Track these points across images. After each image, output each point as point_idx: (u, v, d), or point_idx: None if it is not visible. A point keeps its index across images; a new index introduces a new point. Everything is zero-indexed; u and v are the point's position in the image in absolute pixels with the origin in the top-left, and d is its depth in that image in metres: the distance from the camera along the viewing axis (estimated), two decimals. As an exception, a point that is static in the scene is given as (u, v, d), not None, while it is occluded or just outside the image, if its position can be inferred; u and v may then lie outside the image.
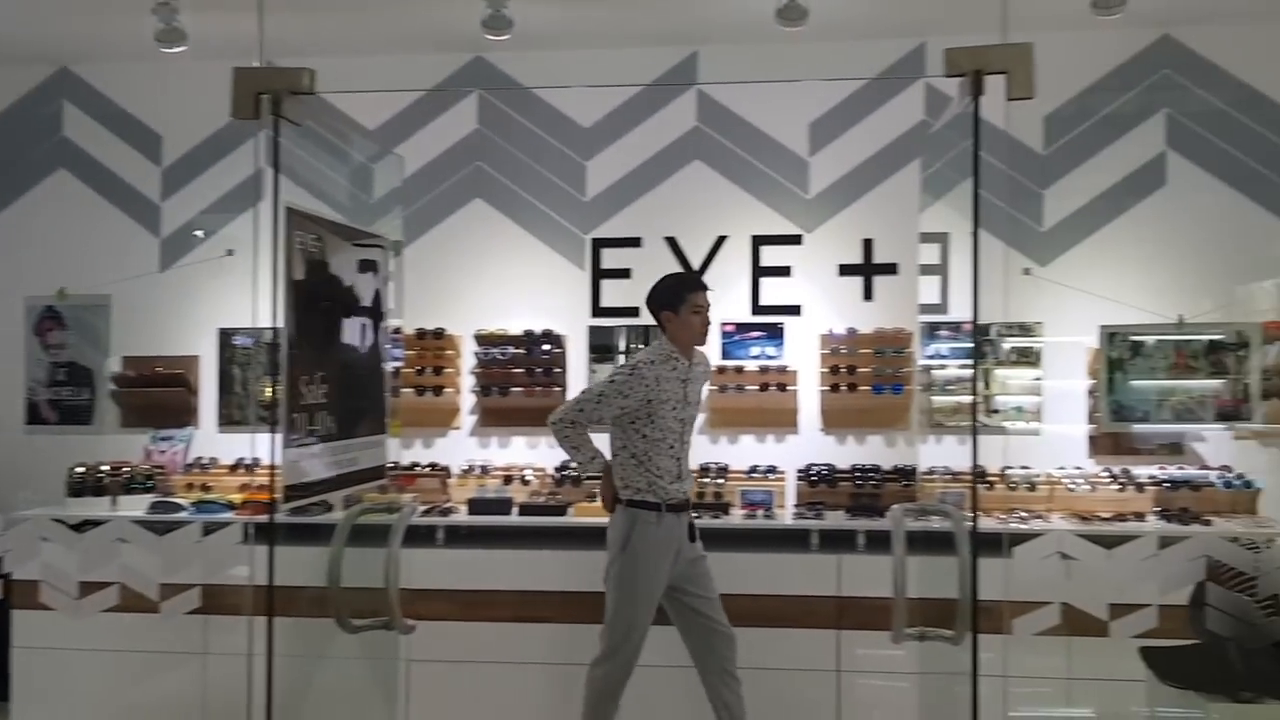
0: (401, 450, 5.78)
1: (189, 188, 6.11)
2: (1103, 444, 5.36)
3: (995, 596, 2.73)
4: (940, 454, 5.44)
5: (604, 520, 5.12)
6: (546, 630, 4.94)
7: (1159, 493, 5.06)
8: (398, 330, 5.67)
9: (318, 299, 3.02)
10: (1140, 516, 4.93)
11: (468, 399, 5.81)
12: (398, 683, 3.86)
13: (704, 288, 4.17)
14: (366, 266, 3.39)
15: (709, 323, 4.19)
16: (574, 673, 4.90)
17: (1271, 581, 2.23)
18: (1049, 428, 5.40)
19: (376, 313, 3.46)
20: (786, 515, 5.17)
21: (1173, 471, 5.17)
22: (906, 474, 5.32)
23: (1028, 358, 5.44)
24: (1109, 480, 5.16)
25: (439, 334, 5.72)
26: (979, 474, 5.24)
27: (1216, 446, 5.27)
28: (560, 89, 5.74)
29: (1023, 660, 2.77)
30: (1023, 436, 5.42)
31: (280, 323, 2.81)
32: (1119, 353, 2.30)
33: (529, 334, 5.67)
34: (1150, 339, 2.34)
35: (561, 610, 4.94)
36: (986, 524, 4.82)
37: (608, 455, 4.21)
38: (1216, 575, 2.29)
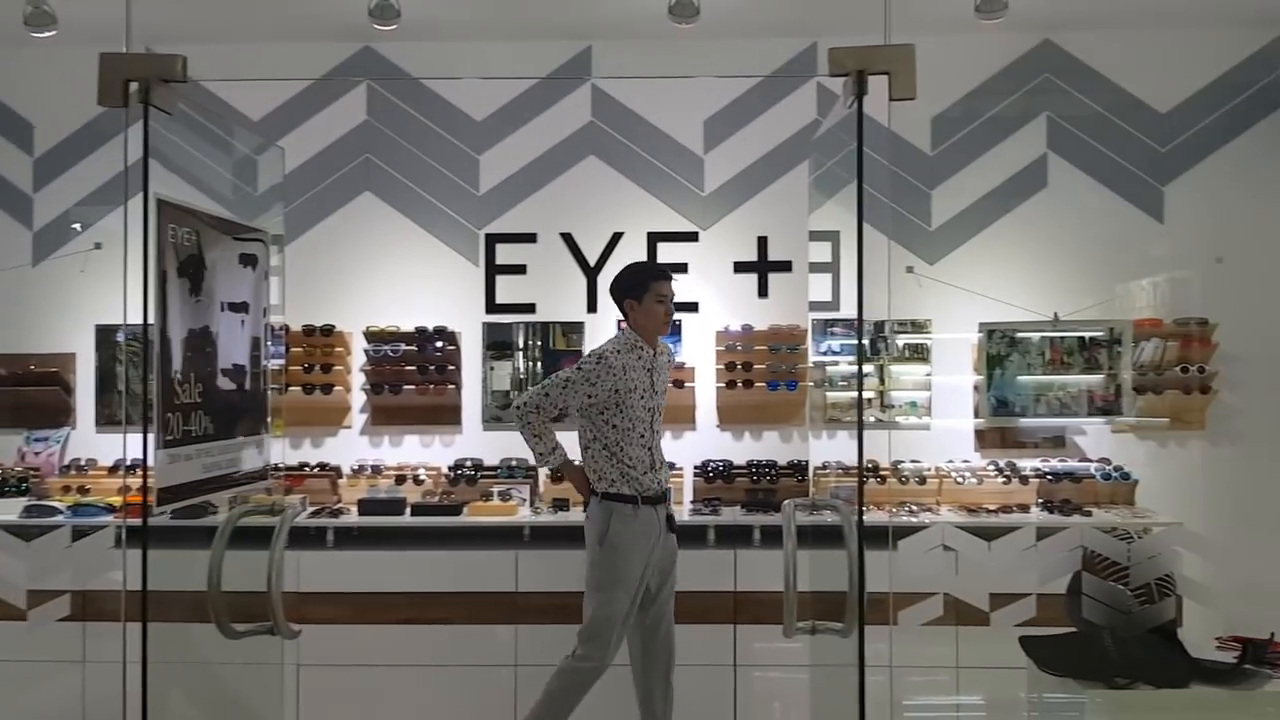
0: (290, 450, 5.63)
1: (63, 178, 5.84)
2: (989, 438, 5.49)
3: (883, 589, 2.76)
4: (834, 449, 5.52)
5: (498, 520, 5.07)
6: (442, 632, 4.86)
7: (1042, 485, 5.21)
8: (285, 328, 5.51)
9: (192, 294, 2.90)
10: (1024, 508, 5.07)
11: (358, 397, 5.67)
12: (283, 688, 3.75)
13: (667, 276, 4.16)
14: (246, 261, 3.26)
15: (672, 311, 4.18)
16: (471, 674, 4.84)
17: (1143, 571, 2.29)
18: (939, 422, 5.51)
19: (257, 309, 3.33)
20: (684, 511, 5.17)
21: (1055, 464, 5.33)
22: (801, 469, 5.37)
23: (919, 354, 5.55)
24: (994, 473, 5.30)
25: (328, 331, 5.57)
26: (869, 468, 5.33)
27: (1097, 440, 5.46)
28: (451, 81, 5.65)
29: (910, 650, 2.81)
30: (914, 431, 5.53)
31: (151, 319, 2.68)
32: (998, 349, 2.34)
33: (421, 331, 5.56)
34: (1027, 335, 2.38)
35: (457, 611, 4.86)
36: (875, 517, 4.91)
37: (575, 454, 4.19)
38: (1092, 565, 2.35)
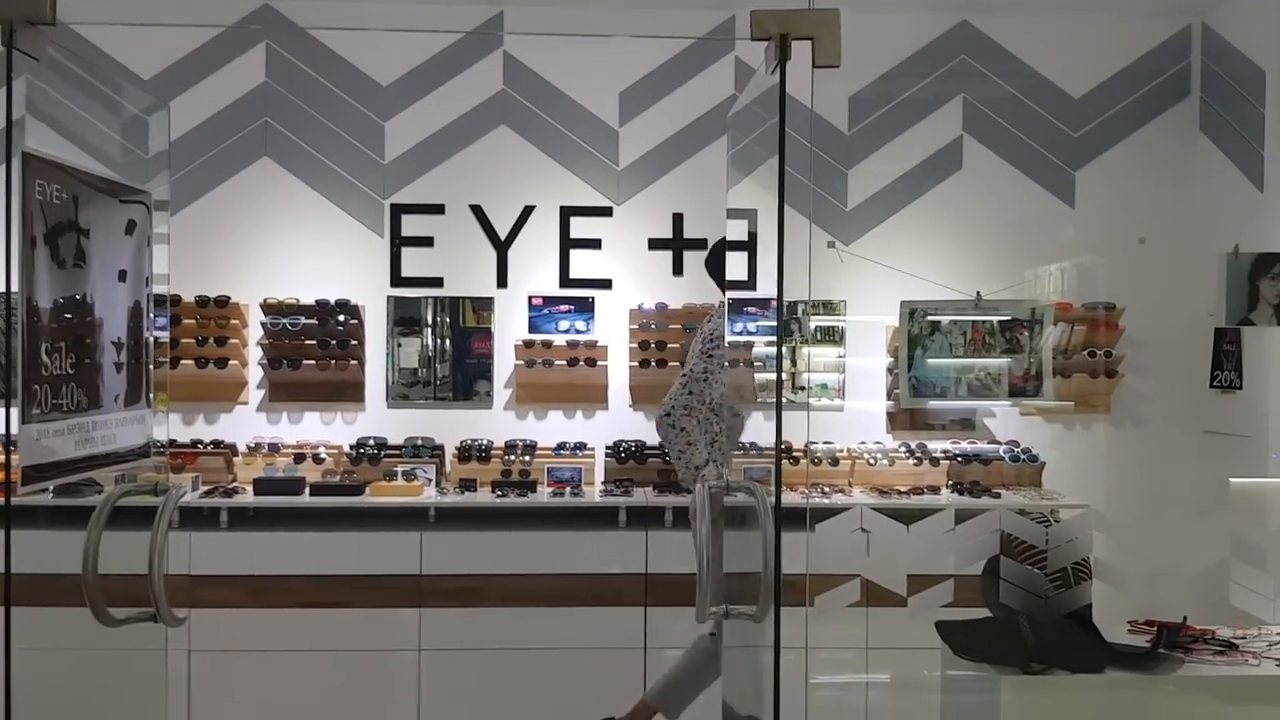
0: (182, 426, 5.37)
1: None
2: (900, 420, 5.49)
3: (799, 570, 2.69)
4: (747, 429, 5.45)
5: (402, 500, 4.89)
6: (342, 616, 4.68)
7: (952, 466, 5.22)
8: (176, 298, 5.24)
9: (65, 259, 2.67)
10: (935, 490, 5.08)
11: (255, 372, 5.42)
12: (165, 676, 3.56)
13: None
14: (127, 226, 3.03)
15: None
16: (373, 659, 4.67)
17: (1060, 555, 2.25)
18: (852, 404, 5.48)
19: (139, 277, 3.11)
20: (595, 492, 5.06)
21: (965, 446, 5.35)
22: (713, 450, 5.29)
23: (832, 336, 5.51)
24: (906, 455, 5.29)
25: (222, 302, 5.31)
26: (784, 450, 5.28)
27: (1005, 422, 5.50)
28: (356, 43, 5.40)
29: (825, 633, 2.74)
30: (827, 412, 5.50)
31: (15, 285, 2.46)
32: (919, 329, 2.29)
33: (322, 304, 5.33)
34: (948, 317, 2.34)
35: (358, 595, 4.69)
36: (790, 499, 4.85)
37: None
38: (1009, 549, 2.31)
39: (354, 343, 5.34)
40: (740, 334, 5.48)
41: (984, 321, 2.28)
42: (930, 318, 2.48)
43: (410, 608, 4.69)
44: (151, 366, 3.09)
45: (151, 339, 3.14)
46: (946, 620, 2.39)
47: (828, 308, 5.52)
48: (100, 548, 2.96)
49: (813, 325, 5.52)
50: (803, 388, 5.49)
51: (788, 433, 5.44)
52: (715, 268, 4.37)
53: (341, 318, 5.34)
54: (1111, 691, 2.23)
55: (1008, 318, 2.42)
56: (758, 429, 5.41)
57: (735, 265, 5.50)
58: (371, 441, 5.30)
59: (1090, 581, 2.31)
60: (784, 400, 5.41)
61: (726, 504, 3.01)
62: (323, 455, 5.22)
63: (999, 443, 5.36)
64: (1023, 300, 2.69)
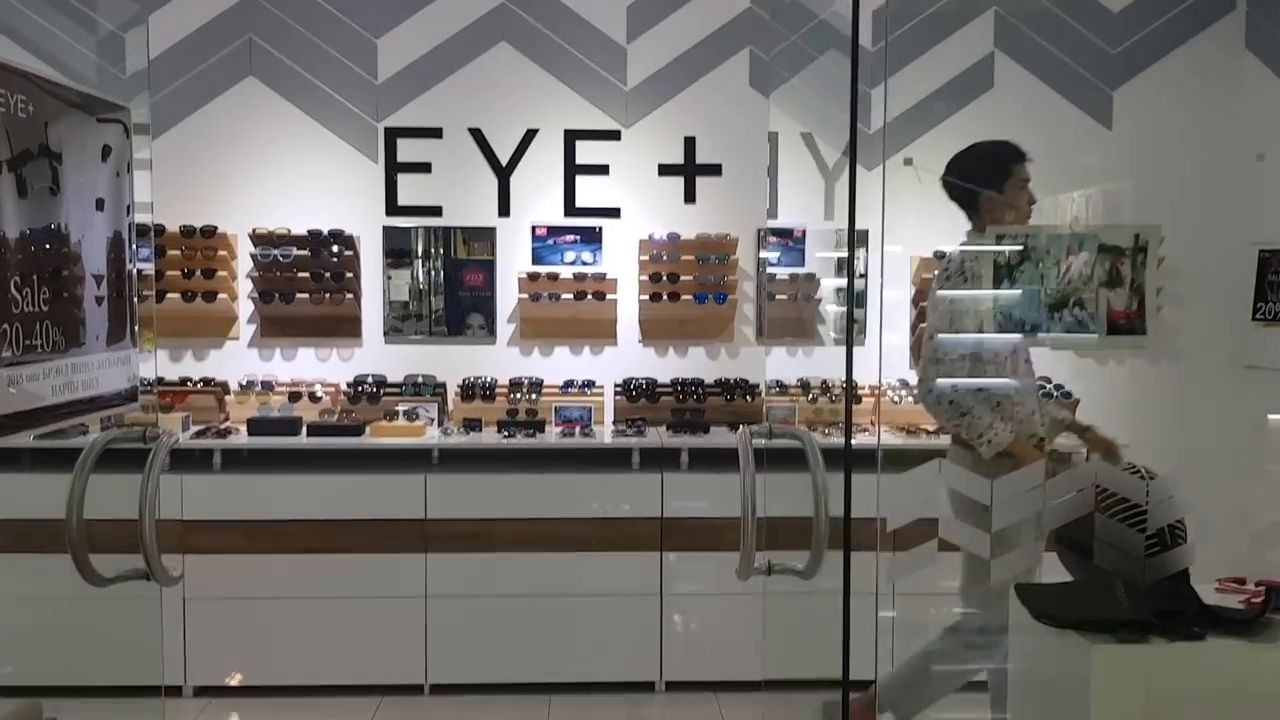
0: (169, 364, 5.09)
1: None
2: (918, 354, 5.25)
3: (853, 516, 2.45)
4: (768, 367, 5.21)
5: (404, 441, 4.64)
6: (344, 562, 4.46)
7: (979, 403, 4.99)
8: (159, 228, 4.92)
9: (33, 185, 2.38)
10: (961, 427, 4.85)
11: (245, 306, 5.13)
12: (160, 627, 3.35)
13: (1028, 156, 3.31)
14: (103, 152, 2.73)
15: (1035, 201, 3.31)
16: (377, 606, 4.46)
17: (1159, 513, 2.03)
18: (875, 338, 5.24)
19: (119, 206, 2.81)
20: (605, 433, 4.82)
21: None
22: (731, 388, 5.05)
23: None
24: (878, 391, 5.06)
25: (209, 232, 5.00)
26: (799, 387, 5.05)
27: (1034, 356, 5.26)
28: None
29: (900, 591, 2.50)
30: (837, 349, 5.25)
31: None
32: (1008, 257, 2.04)
33: (314, 234, 5.03)
34: (1037, 240, 2.07)
35: (359, 540, 4.47)
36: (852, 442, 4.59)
37: None
38: (1104, 505, 2.08)
39: (349, 275, 5.04)
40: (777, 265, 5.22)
41: (1079, 246, 2.03)
42: (1020, 245, 2.21)
43: (416, 553, 4.47)
44: (136, 301, 2.81)
45: (135, 272, 2.86)
46: (1026, 583, 2.16)
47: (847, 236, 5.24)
48: (88, 496, 2.72)
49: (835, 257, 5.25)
50: (823, 322, 5.23)
51: (808, 369, 5.21)
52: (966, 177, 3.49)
53: (335, 249, 5.03)
54: (1214, 660, 2.02)
55: (1108, 244, 2.16)
56: (781, 365, 5.18)
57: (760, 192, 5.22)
58: (370, 379, 5.03)
59: (1187, 544, 2.09)
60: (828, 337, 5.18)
61: (764, 448, 2.76)
62: (319, 394, 4.96)
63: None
64: (1125, 225, 2.40)
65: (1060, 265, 2.17)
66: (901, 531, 2.30)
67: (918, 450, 4.51)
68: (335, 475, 4.52)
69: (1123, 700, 2.05)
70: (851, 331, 2.85)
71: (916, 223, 5.24)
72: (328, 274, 5.01)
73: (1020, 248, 2.38)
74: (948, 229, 5.27)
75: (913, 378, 5.15)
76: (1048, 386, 5.02)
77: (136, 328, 2.84)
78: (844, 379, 5.06)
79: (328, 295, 5.02)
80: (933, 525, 2.29)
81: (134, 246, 2.86)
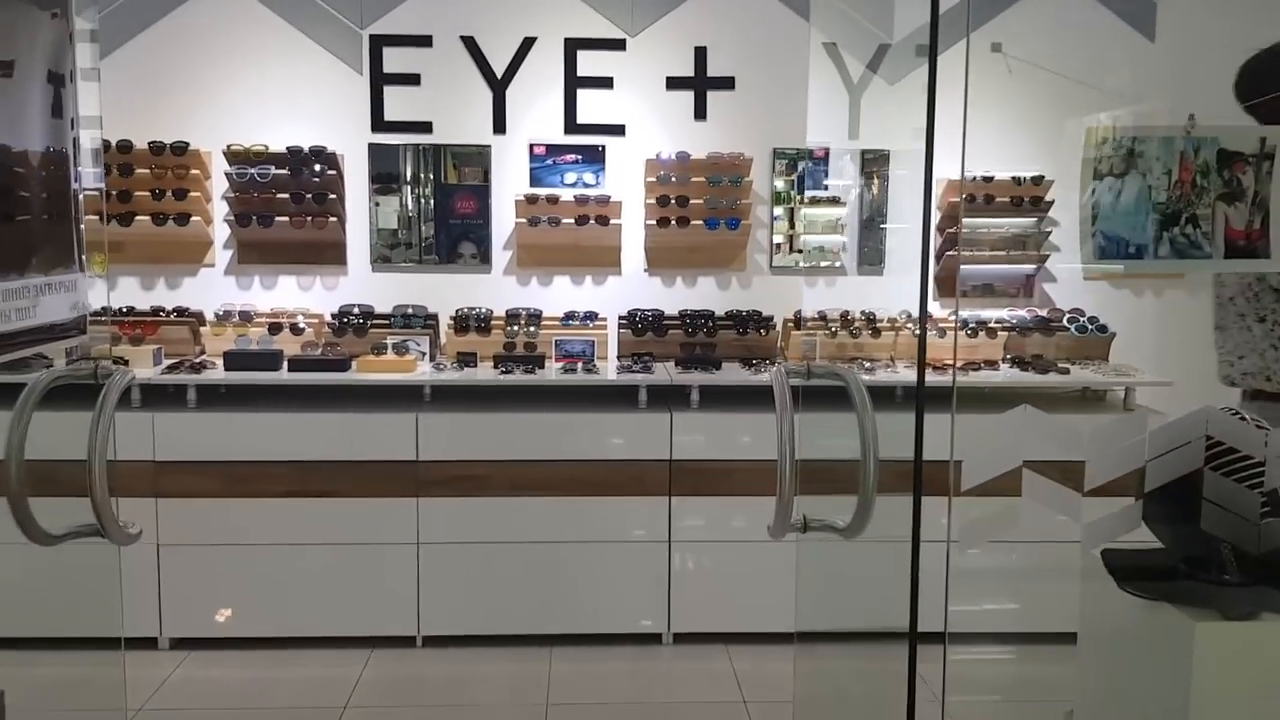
0: (140, 292, 4.74)
1: None
2: (948, 285, 4.92)
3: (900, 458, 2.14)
4: (784, 298, 4.88)
5: (393, 377, 4.31)
6: (330, 506, 4.16)
7: (1010, 338, 4.67)
8: (126, 144, 4.53)
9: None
10: (992, 365, 4.53)
11: (221, 230, 4.76)
12: (117, 586, 3.06)
13: None
14: (44, 54, 2.34)
15: None
16: (365, 553, 4.17)
17: (1277, 470, 1.71)
18: (895, 268, 4.90)
19: (60, 118, 2.43)
20: (609, 369, 4.49)
21: (1023, 315, 4.80)
22: (744, 320, 4.71)
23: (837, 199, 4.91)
24: (954, 324, 4.73)
25: (180, 149, 4.60)
26: (819, 320, 4.72)
27: (1066, 287, 4.95)
28: None
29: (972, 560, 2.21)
30: (863, 278, 4.92)
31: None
32: (1112, 163, 1.68)
33: (294, 152, 4.64)
34: (1151, 145, 1.70)
35: (347, 483, 4.16)
36: (887, 378, 4.27)
37: None
38: (1214, 458, 1.76)
39: (332, 196, 4.66)
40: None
41: (1196, 151, 1.68)
42: (1125, 146, 1.85)
43: (407, 497, 4.17)
44: (81, 225, 2.45)
45: (79, 190, 2.49)
46: (1115, 548, 1.86)
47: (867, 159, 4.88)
48: (48, 434, 2.38)
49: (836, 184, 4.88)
50: (800, 251, 4.87)
51: (818, 301, 4.87)
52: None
53: (317, 168, 4.65)
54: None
55: (1229, 149, 1.80)
56: (794, 296, 4.84)
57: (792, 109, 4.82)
58: (356, 310, 4.69)
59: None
60: (796, 264, 4.84)
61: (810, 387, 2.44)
62: (301, 325, 4.61)
63: (1061, 310, 4.81)
64: (1248, 127, 2.03)
65: (1171, 174, 1.81)
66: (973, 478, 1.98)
67: (972, 390, 4.19)
68: (319, 414, 4.19)
69: (1227, 682, 1.76)
70: (928, 262, 2.48)
71: (944, 141, 4.87)
72: (309, 195, 4.63)
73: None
74: (981, 149, 4.92)
75: (936, 309, 4.83)
76: (1081, 320, 4.70)
77: (84, 254, 2.48)
78: (860, 312, 4.73)
79: (309, 218, 4.64)
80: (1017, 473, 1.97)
81: (80, 166, 2.49)
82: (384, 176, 4.80)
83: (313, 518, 4.15)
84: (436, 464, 4.16)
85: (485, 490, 4.18)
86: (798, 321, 4.72)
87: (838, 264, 4.89)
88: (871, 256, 4.91)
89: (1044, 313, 4.83)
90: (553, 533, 4.20)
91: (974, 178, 4.80)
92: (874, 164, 4.91)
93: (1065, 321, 4.74)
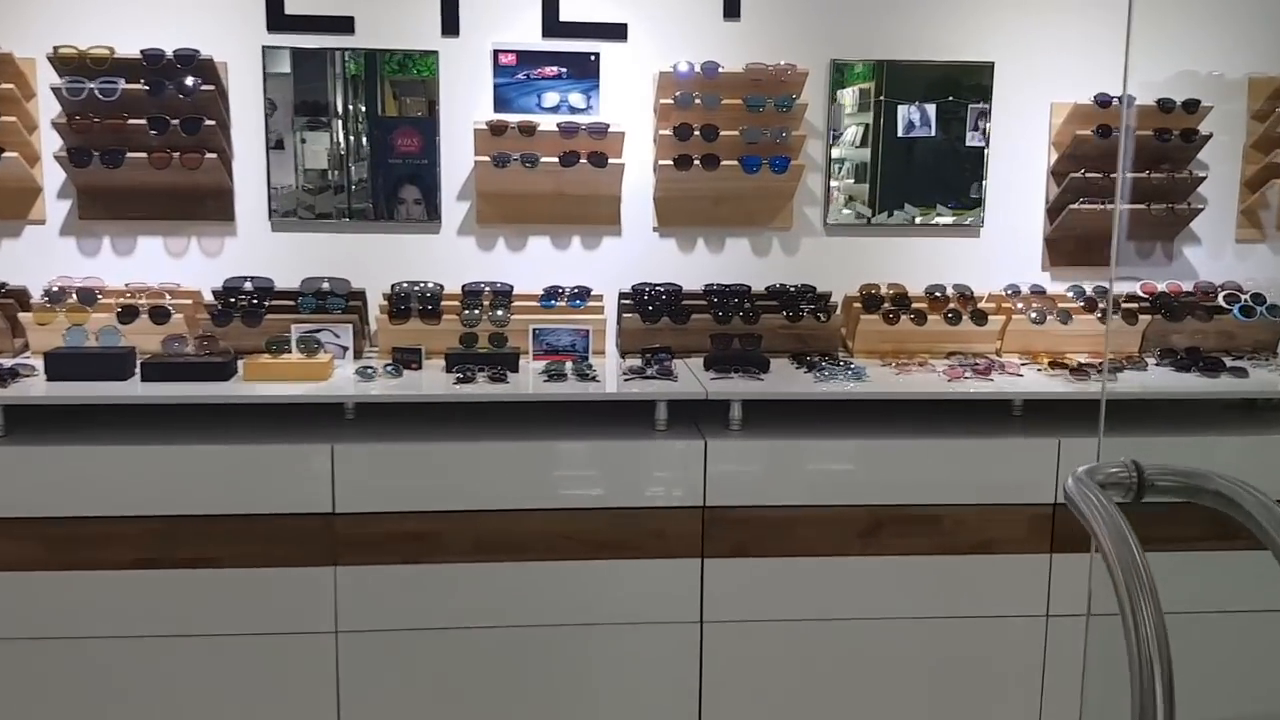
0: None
1: None
2: (1061, 250, 3.65)
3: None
4: (844, 267, 3.59)
5: (300, 389, 2.94)
6: (206, 581, 2.82)
7: (1154, 324, 3.42)
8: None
9: None
10: (1136, 361, 3.27)
11: (52, 171, 3.35)
12: None
13: None
14: None
15: None
16: (258, 647, 2.85)
17: None
18: (994, 226, 3.63)
19: None
20: (609, 372, 3.16)
21: (1162, 290, 3.55)
22: (793, 298, 3.42)
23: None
24: (1084, 307, 3.46)
25: (-19, 52, 3.17)
26: (884, 296, 3.43)
27: (1212, 253, 3.71)
28: None
29: None
30: (952, 239, 3.64)
31: None
32: None
33: (152, 58, 3.21)
34: None
35: (229, 547, 2.82)
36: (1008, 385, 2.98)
37: None
38: None
39: (209, 123, 3.25)
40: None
41: None
42: None
43: (319, 565, 2.84)
44: None
45: None
46: None
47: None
48: None
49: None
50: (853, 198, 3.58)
51: (869, 270, 3.59)
52: None
53: (188, 81, 3.23)
54: None
55: None
56: (859, 263, 3.56)
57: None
58: (248, 285, 3.31)
59: None
60: (851, 219, 3.55)
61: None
62: (167, 308, 3.23)
63: (1213, 285, 3.57)
64: None
65: None
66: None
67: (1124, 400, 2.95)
68: (188, 445, 2.83)
69: None
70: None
71: (1061, 58, 3.59)
72: (175, 121, 3.22)
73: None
74: (1110, 63, 3.63)
75: (1047, 281, 3.57)
76: (1243, 298, 3.46)
77: None
78: (951, 285, 3.44)
79: (177, 154, 3.24)
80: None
81: None
82: (311, 106, 3.41)
83: (181, 598, 2.82)
84: (362, 518, 2.83)
85: (434, 554, 2.87)
86: (866, 301, 3.41)
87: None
88: (960, 209, 3.62)
89: (1188, 288, 3.58)
90: (533, 613, 2.90)
91: (1106, 100, 3.50)
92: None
93: (1222, 300, 3.49)
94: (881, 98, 3.53)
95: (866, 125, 3.56)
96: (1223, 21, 3.60)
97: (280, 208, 3.44)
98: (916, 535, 2.96)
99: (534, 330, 3.22)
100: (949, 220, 3.61)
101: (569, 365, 3.11)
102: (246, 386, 2.93)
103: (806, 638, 2.96)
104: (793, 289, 3.46)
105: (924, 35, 3.53)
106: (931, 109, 3.57)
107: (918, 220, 3.60)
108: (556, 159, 3.35)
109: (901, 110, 3.56)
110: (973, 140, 3.59)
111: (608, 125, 3.38)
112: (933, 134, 3.58)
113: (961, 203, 3.60)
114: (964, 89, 3.56)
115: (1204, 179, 3.52)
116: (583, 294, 3.39)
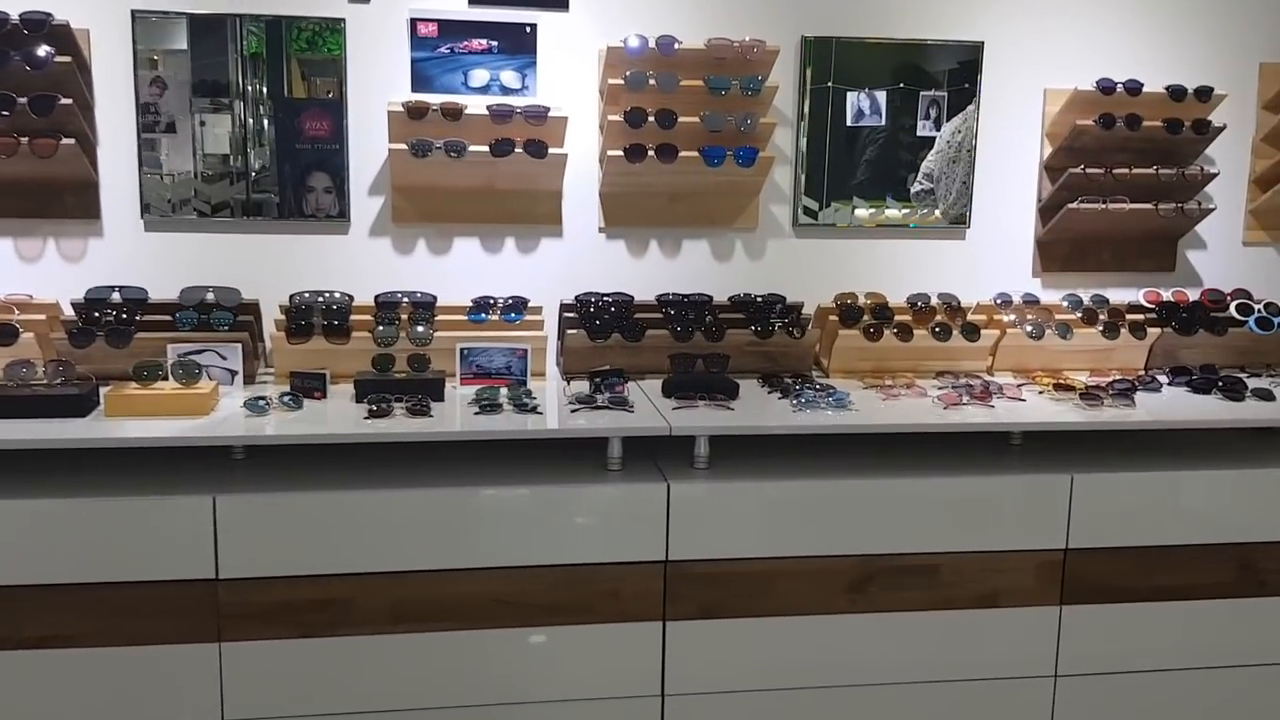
0: None
1: None
2: (1053, 255, 3.28)
3: None
4: (816, 274, 3.17)
5: (174, 428, 2.42)
6: (61, 662, 2.31)
7: (1161, 338, 3.06)
8: None
9: None
10: (1148, 381, 2.90)
11: None
12: None
13: None
14: None
15: None
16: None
17: None
18: (981, 229, 3.23)
19: None
20: (552, 399, 2.69)
21: (1168, 298, 3.20)
22: (759, 310, 2.99)
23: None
24: (1082, 318, 3.09)
25: None
26: (872, 308, 3.02)
27: (1218, 256, 3.38)
28: None
29: None
30: (927, 241, 3.25)
31: None
32: None
33: (-9, 20, 2.67)
34: None
35: (88, 622, 2.31)
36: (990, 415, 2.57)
37: None
38: None
39: (66, 101, 2.70)
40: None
41: None
42: None
43: (201, 642, 2.34)
44: None
45: None
46: None
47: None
48: None
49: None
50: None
51: (865, 277, 3.18)
52: None
53: (41, 52, 2.68)
54: None
55: None
56: (834, 266, 3.14)
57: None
58: (116, 297, 2.77)
59: None
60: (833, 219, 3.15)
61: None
62: (14, 326, 2.68)
63: (1222, 294, 3.22)
64: None
65: None
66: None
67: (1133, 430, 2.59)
68: (37, 500, 2.30)
69: None
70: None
71: (1055, 42, 3.20)
72: (23, 100, 2.66)
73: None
74: (1108, 47, 3.25)
75: (1038, 289, 3.20)
76: (1258, 308, 3.13)
77: None
78: (937, 295, 3.04)
79: (27, 140, 2.68)
80: None
81: None
82: (211, 86, 2.88)
83: (27, 685, 2.29)
84: (253, 583, 2.34)
85: (342, 625, 2.39)
86: (843, 312, 2.99)
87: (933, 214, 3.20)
88: (947, 211, 3.22)
89: (1195, 296, 3.22)
90: (463, 692, 2.44)
91: (1110, 86, 3.12)
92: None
93: (1234, 311, 3.15)
94: (829, 84, 3.11)
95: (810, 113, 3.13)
96: (1228, 2, 3.25)
97: (175, 197, 2.90)
98: (910, 588, 2.56)
99: (462, 350, 2.73)
100: (899, 212, 3.20)
101: (504, 392, 2.64)
102: (109, 424, 2.40)
103: (785, 710, 2.55)
104: (759, 299, 3.03)
105: (907, 11, 3.11)
106: (882, 96, 3.15)
107: (864, 214, 3.18)
108: (487, 147, 2.86)
109: (850, 97, 3.13)
110: (923, 130, 3.19)
111: (547, 109, 2.90)
112: (883, 123, 3.17)
113: (896, 196, 3.19)
114: (923, 75, 3.15)
115: (1216, 175, 3.17)
116: (519, 306, 2.91)
